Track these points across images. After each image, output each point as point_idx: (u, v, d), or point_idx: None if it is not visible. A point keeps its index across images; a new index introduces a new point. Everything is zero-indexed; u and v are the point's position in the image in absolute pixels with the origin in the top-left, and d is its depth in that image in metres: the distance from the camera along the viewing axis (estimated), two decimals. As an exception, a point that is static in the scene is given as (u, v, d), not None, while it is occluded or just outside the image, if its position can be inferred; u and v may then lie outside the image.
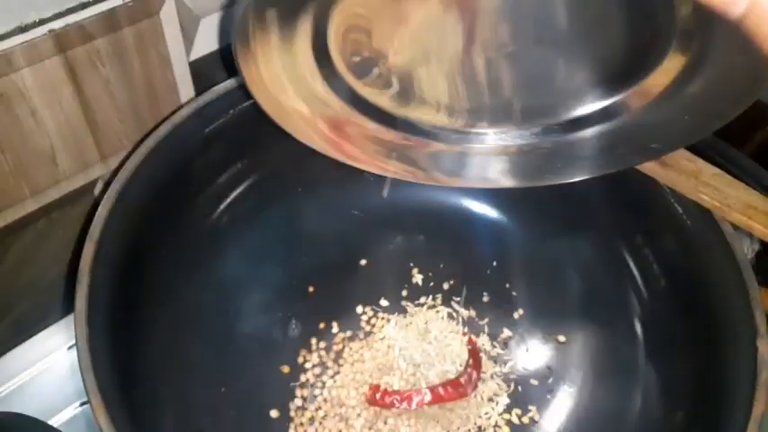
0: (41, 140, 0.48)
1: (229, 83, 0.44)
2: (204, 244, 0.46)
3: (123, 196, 0.38)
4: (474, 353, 0.46)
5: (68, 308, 0.49)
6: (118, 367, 0.33)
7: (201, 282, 0.45)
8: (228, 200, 0.47)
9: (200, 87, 0.54)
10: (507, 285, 0.51)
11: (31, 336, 0.53)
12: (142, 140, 0.43)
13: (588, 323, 0.49)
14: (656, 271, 0.45)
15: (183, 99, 0.55)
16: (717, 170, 0.44)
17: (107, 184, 0.43)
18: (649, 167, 0.43)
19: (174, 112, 0.44)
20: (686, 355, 0.41)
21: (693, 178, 0.42)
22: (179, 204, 0.43)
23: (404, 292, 0.51)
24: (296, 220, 0.50)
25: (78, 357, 0.31)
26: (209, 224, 0.47)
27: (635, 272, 0.47)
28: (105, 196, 0.37)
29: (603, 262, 0.49)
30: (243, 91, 0.43)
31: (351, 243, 0.52)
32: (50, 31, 0.44)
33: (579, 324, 0.49)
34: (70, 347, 0.47)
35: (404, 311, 0.50)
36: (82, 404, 0.40)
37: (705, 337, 0.40)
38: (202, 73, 0.55)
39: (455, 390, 0.44)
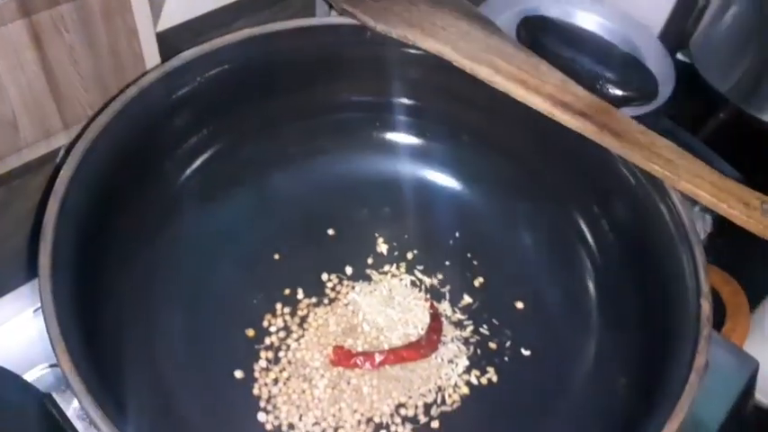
0: (2, 106, 0.48)
1: (197, 50, 0.45)
2: (171, 207, 0.46)
3: (89, 156, 0.38)
4: (435, 317, 0.48)
5: (32, 274, 0.48)
6: (81, 320, 0.33)
7: (167, 244, 0.46)
8: (195, 165, 0.48)
9: (167, 59, 0.54)
10: (468, 255, 0.53)
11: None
12: (108, 104, 0.43)
13: (545, 290, 0.51)
14: (609, 237, 0.48)
15: (149, 70, 0.55)
16: (667, 142, 0.46)
17: (68, 151, 0.43)
18: (604, 139, 0.45)
19: (141, 76, 0.44)
20: (637, 316, 0.44)
21: (646, 149, 0.44)
22: (145, 167, 0.44)
23: (369, 261, 0.52)
24: (263, 189, 0.51)
25: (42, 309, 0.31)
26: (175, 188, 0.47)
27: (590, 239, 0.49)
28: (71, 154, 0.37)
29: (560, 231, 0.51)
30: (210, 58, 0.44)
31: (318, 213, 0.53)
32: None
33: (536, 291, 0.51)
34: (36, 310, 0.46)
35: (368, 279, 0.51)
36: (50, 366, 0.40)
37: (654, 297, 0.42)
38: (169, 45, 0.55)
39: (416, 351, 0.45)
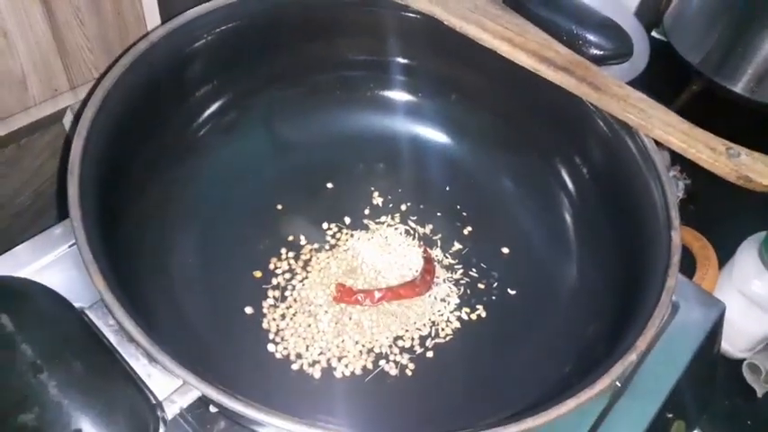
0: (12, 63, 0.49)
1: (206, 6, 0.47)
2: (182, 152, 0.49)
3: (107, 101, 0.40)
4: (428, 260, 0.51)
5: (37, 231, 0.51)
6: (108, 247, 0.36)
7: (179, 187, 0.49)
8: (205, 114, 0.51)
9: (166, 20, 0.56)
10: (458, 206, 0.56)
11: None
12: (121, 56, 0.46)
13: (529, 236, 0.54)
14: (588, 182, 0.51)
15: (151, 32, 0.57)
16: (641, 95, 0.49)
17: (77, 117, 0.45)
18: (583, 91, 0.48)
19: (152, 30, 0.47)
20: (613, 249, 0.48)
21: (622, 101, 0.48)
22: (158, 113, 0.46)
23: (366, 212, 0.55)
24: (268, 142, 0.54)
25: (75, 235, 0.34)
26: (187, 134, 0.50)
27: (569, 184, 0.53)
28: (90, 100, 0.40)
29: (542, 179, 0.55)
30: (216, 15, 0.47)
31: (317, 167, 0.56)
32: None
33: (521, 237, 0.54)
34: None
35: (366, 228, 0.54)
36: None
37: (629, 231, 0.46)
38: (168, 9, 0.57)
39: (411, 289, 0.49)
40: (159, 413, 0.31)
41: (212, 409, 0.43)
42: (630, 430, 0.48)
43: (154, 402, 0.31)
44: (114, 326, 0.33)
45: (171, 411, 0.32)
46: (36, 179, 0.59)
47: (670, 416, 0.51)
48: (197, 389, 0.31)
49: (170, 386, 0.32)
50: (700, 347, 0.54)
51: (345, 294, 0.47)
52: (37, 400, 0.27)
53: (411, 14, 0.53)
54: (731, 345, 0.73)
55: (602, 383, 0.34)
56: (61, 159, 0.58)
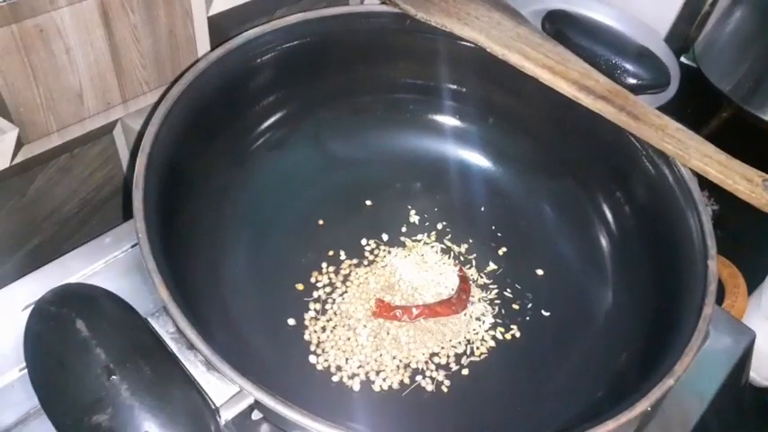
0: (72, 78, 0.52)
1: (261, 28, 0.49)
2: (235, 167, 0.51)
3: (170, 115, 0.42)
4: (464, 279, 0.53)
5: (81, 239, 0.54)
6: (168, 258, 0.38)
7: (231, 202, 0.51)
8: (258, 130, 0.53)
9: (215, 42, 0.58)
10: (493, 227, 0.58)
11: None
12: (180, 76, 0.48)
13: (564, 259, 0.56)
14: (624, 209, 0.53)
15: (200, 51, 0.59)
16: (679, 125, 0.51)
17: (140, 134, 0.47)
18: (622, 120, 0.50)
19: (208, 53, 0.49)
20: (649, 277, 0.48)
21: (660, 131, 0.49)
22: (214, 130, 0.48)
23: (403, 229, 0.56)
24: (313, 158, 0.56)
25: (140, 245, 0.36)
26: (240, 149, 0.52)
27: (606, 212, 0.54)
28: (153, 117, 0.42)
29: (578, 205, 0.56)
30: (281, 33, 0.49)
31: (358, 185, 0.58)
32: None
33: (555, 260, 0.55)
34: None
35: (403, 245, 0.55)
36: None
37: (666, 260, 0.47)
38: (218, 29, 0.59)
39: (448, 307, 0.50)
40: (217, 418, 0.32)
41: (254, 416, 0.45)
42: (659, 455, 0.48)
43: (213, 407, 0.32)
44: (174, 334, 0.35)
45: (225, 417, 0.34)
46: (84, 187, 0.61)
47: (698, 442, 0.52)
48: (254, 396, 0.32)
49: (226, 393, 0.34)
50: (729, 375, 0.54)
51: (384, 310, 0.49)
52: (111, 402, 0.29)
53: (454, 40, 0.54)
54: (758, 373, 0.73)
55: (641, 406, 0.35)
56: (128, 168, 0.60)
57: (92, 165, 0.61)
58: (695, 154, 0.48)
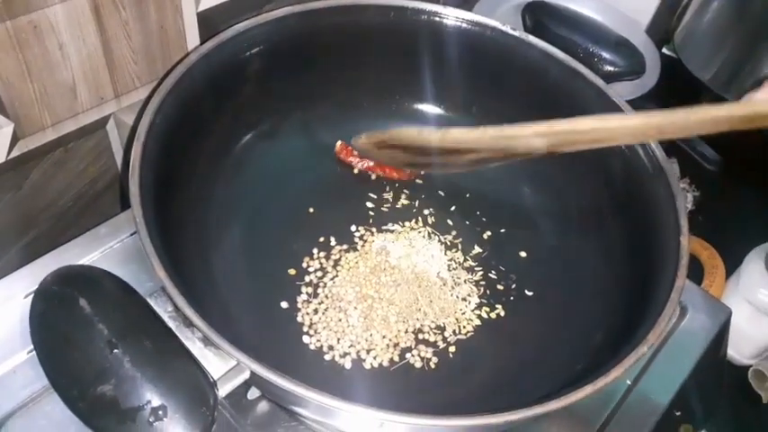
0: (65, 73, 0.53)
1: (248, 22, 0.51)
2: (227, 157, 0.53)
3: (161, 108, 0.44)
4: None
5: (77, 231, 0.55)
6: (164, 241, 0.39)
7: (223, 189, 0.52)
8: (248, 122, 0.55)
9: (205, 37, 0.60)
10: (478, 212, 0.60)
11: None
12: (170, 71, 0.49)
13: (545, 240, 0.58)
14: (603, 189, 0.55)
15: (190, 46, 0.59)
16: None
17: (135, 125, 0.48)
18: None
19: (199, 45, 0.50)
20: (625, 255, 0.51)
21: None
22: (206, 120, 0.50)
23: (391, 216, 0.58)
24: (302, 149, 0.58)
25: (138, 230, 0.38)
26: (231, 140, 0.54)
27: (585, 193, 0.57)
28: (147, 107, 0.43)
29: (558, 190, 0.58)
30: (269, 26, 0.51)
31: (346, 174, 0.60)
32: None
33: (538, 242, 0.58)
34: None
35: (391, 231, 0.57)
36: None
37: (642, 238, 0.49)
38: (207, 24, 0.60)
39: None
40: (216, 390, 0.34)
41: (250, 395, 0.46)
42: (640, 426, 0.51)
43: (211, 380, 0.34)
44: (172, 313, 0.36)
45: (223, 390, 0.36)
46: (78, 181, 0.62)
47: (678, 413, 0.54)
48: (250, 368, 0.34)
49: (223, 368, 0.36)
50: (707, 349, 0.56)
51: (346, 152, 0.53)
52: (114, 373, 0.31)
53: (439, 31, 0.56)
54: (738, 352, 0.75)
55: (617, 372, 0.37)
56: (124, 158, 0.61)
57: (86, 159, 0.61)
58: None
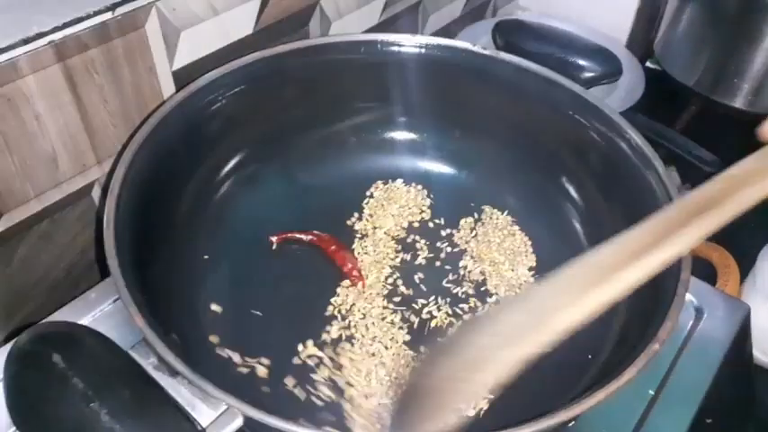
0: (44, 143, 0.53)
1: (218, 71, 0.51)
2: (208, 205, 0.53)
3: (134, 161, 0.44)
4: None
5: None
6: (144, 292, 0.38)
7: (206, 236, 0.52)
8: (227, 168, 0.55)
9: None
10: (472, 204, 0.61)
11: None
12: (143, 122, 0.49)
13: (540, 246, 0.57)
14: (591, 188, 0.55)
15: (168, 105, 0.60)
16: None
17: (109, 175, 0.48)
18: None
19: (171, 97, 0.50)
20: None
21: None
22: (183, 170, 0.50)
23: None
24: (286, 189, 0.58)
25: (114, 280, 0.37)
26: (211, 187, 0.54)
27: (573, 193, 0.57)
28: (120, 160, 0.43)
29: (546, 193, 0.58)
30: (240, 73, 0.51)
31: (329, 208, 0.60)
32: (50, 42, 0.49)
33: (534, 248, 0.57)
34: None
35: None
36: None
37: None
38: (183, 82, 0.61)
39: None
40: (205, 440, 0.32)
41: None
42: (670, 437, 0.48)
43: (200, 429, 0.32)
44: (155, 362, 0.35)
45: (214, 441, 0.34)
46: (69, 252, 0.61)
47: (709, 421, 0.51)
48: (240, 411, 0.32)
49: (212, 415, 0.34)
50: (729, 350, 0.54)
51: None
52: (90, 428, 0.29)
53: (408, 64, 0.57)
54: (766, 354, 0.72)
55: (630, 374, 0.35)
56: (97, 222, 0.61)
57: (73, 228, 0.61)
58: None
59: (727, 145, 0.87)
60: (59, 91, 0.52)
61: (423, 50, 0.57)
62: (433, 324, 0.52)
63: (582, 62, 0.56)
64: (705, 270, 0.74)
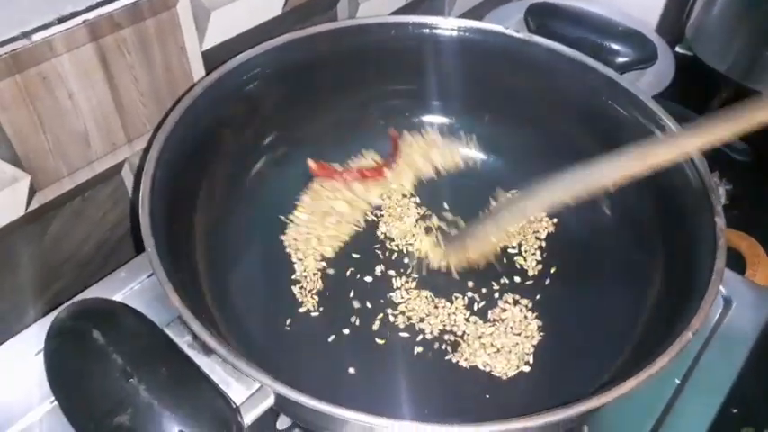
0: (77, 122, 0.53)
1: (250, 52, 0.51)
2: (240, 185, 0.53)
3: (168, 141, 0.44)
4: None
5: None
6: (177, 270, 0.39)
7: (238, 216, 0.53)
8: (258, 149, 0.55)
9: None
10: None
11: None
12: (175, 104, 0.49)
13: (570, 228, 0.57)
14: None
15: (198, 86, 0.60)
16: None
17: (143, 157, 0.48)
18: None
19: (202, 79, 0.51)
20: (658, 239, 0.49)
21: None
22: (215, 151, 0.50)
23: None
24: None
25: (150, 259, 0.37)
26: (243, 168, 0.54)
27: None
28: (155, 140, 0.43)
29: None
30: (271, 54, 0.52)
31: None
32: (84, 21, 0.49)
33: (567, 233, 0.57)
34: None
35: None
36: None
37: (672, 219, 0.47)
38: (213, 63, 0.60)
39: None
40: (239, 417, 0.32)
41: (280, 425, 0.45)
42: (695, 425, 0.47)
43: (234, 406, 0.33)
44: (190, 341, 0.35)
45: (247, 417, 0.34)
46: (99, 229, 0.62)
47: (735, 411, 0.51)
48: (274, 389, 0.33)
49: (245, 393, 0.34)
50: (758, 340, 0.53)
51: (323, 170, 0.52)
52: (130, 402, 0.29)
53: (441, 44, 0.56)
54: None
55: (662, 362, 0.35)
56: (132, 202, 0.62)
57: (104, 206, 0.62)
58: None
59: (757, 133, 0.86)
60: (92, 70, 0.52)
61: (455, 33, 0.57)
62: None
63: (616, 47, 0.55)
64: (734, 260, 0.73)
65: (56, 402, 0.43)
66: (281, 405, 0.35)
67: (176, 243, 0.41)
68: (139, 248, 0.50)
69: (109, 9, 0.51)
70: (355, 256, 0.54)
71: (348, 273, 0.54)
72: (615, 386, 0.34)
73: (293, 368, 0.45)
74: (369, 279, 0.53)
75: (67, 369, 0.32)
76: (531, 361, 0.48)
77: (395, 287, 0.52)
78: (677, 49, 1.03)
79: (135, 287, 0.51)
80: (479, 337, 0.49)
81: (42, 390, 0.45)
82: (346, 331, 0.50)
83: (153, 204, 0.40)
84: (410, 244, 0.55)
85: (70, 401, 0.31)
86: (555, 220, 0.58)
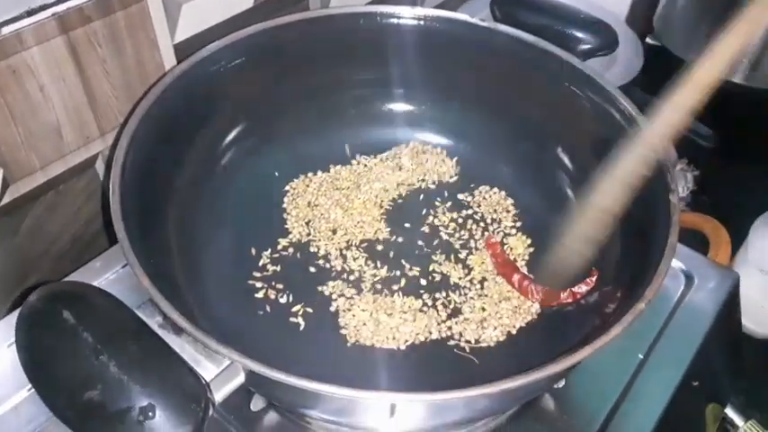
0: (49, 114, 0.53)
1: (218, 43, 0.52)
2: (211, 173, 0.54)
3: (138, 131, 0.45)
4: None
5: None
6: (148, 254, 0.40)
7: (209, 203, 0.53)
8: (228, 139, 0.56)
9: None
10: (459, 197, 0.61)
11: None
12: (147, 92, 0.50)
13: (531, 210, 0.59)
14: (584, 156, 0.55)
15: (169, 78, 0.61)
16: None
17: (114, 145, 0.49)
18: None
19: (173, 68, 0.51)
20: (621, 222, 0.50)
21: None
22: (186, 140, 0.52)
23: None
24: (287, 160, 0.59)
25: (120, 243, 0.38)
26: (214, 157, 0.55)
27: (566, 162, 0.58)
28: (125, 129, 0.44)
29: (539, 161, 0.59)
30: (241, 44, 0.52)
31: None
32: (54, 14, 0.49)
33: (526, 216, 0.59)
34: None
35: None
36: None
37: (635, 201, 0.48)
38: (185, 54, 0.61)
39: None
40: (209, 393, 0.33)
41: (254, 406, 0.46)
42: (657, 397, 0.49)
43: (204, 382, 0.34)
44: (161, 321, 0.36)
45: (218, 396, 0.35)
46: (73, 223, 0.62)
47: (696, 384, 0.53)
48: (243, 365, 0.34)
49: (215, 371, 0.35)
50: (717, 316, 0.55)
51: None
52: (100, 378, 0.30)
53: (405, 34, 0.57)
54: (756, 324, 0.74)
55: (615, 331, 0.36)
56: (103, 191, 0.62)
57: (78, 200, 0.62)
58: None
59: (723, 119, 0.88)
60: (63, 62, 0.52)
61: (421, 22, 0.58)
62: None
63: (578, 34, 0.56)
64: (699, 241, 0.75)
65: (31, 391, 0.44)
66: (253, 383, 0.36)
67: (148, 229, 0.42)
68: (114, 242, 0.50)
69: (78, 2, 0.51)
70: (332, 241, 0.56)
71: (319, 260, 0.55)
72: (570, 354, 0.35)
73: (265, 351, 0.46)
74: (337, 264, 0.54)
75: (39, 350, 0.32)
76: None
77: (365, 273, 0.54)
78: (648, 39, 1.05)
79: (110, 276, 0.52)
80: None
81: (18, 379, 0.45)
82: (313, 312, 0.52)
83: (123, 191, 0.40)
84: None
85: (42, 380, 0.32)
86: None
